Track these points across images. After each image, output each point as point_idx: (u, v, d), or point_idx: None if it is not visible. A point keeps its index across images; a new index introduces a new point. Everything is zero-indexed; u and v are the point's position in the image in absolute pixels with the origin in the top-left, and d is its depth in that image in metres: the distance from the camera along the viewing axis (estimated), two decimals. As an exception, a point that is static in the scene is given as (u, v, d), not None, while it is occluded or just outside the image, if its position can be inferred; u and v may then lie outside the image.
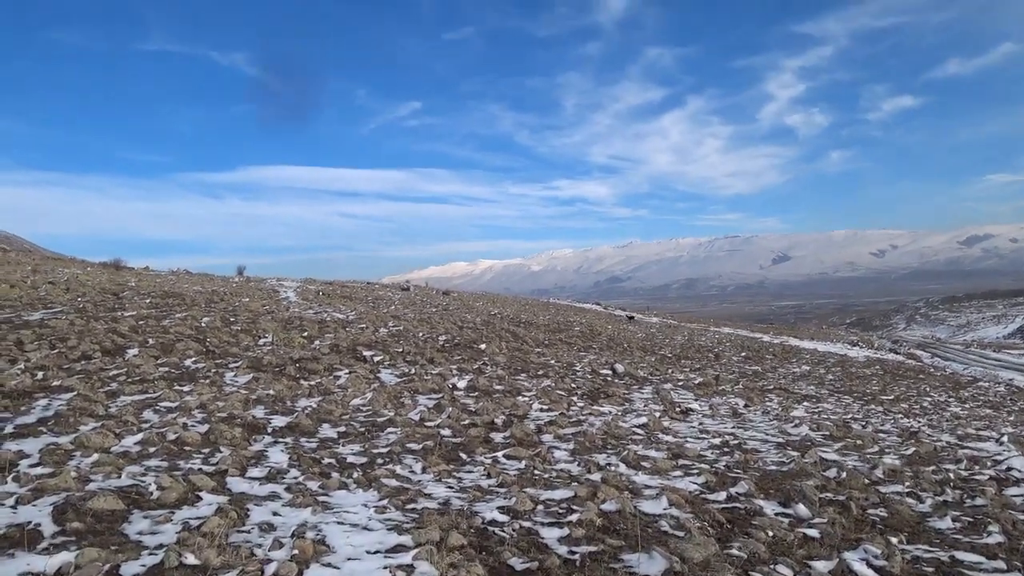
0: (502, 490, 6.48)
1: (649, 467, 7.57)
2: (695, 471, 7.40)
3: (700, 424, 10.58)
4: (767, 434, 9.90)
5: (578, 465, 7.55)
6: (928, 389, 21.93)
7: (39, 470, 6.03)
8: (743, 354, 25.92)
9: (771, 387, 16.83)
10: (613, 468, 7.42)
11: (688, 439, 9.28)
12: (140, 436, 7.26)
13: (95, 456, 6.46)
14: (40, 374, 9.64)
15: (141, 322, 14.00)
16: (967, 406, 18.04)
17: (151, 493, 5.60)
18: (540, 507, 5.98)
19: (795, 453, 8.48)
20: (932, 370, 32.66)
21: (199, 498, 5.64)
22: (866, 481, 7.20)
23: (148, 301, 17.39)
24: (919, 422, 13.58)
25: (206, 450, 7.14)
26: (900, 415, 14.52)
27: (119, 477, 5.94)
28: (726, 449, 8.64)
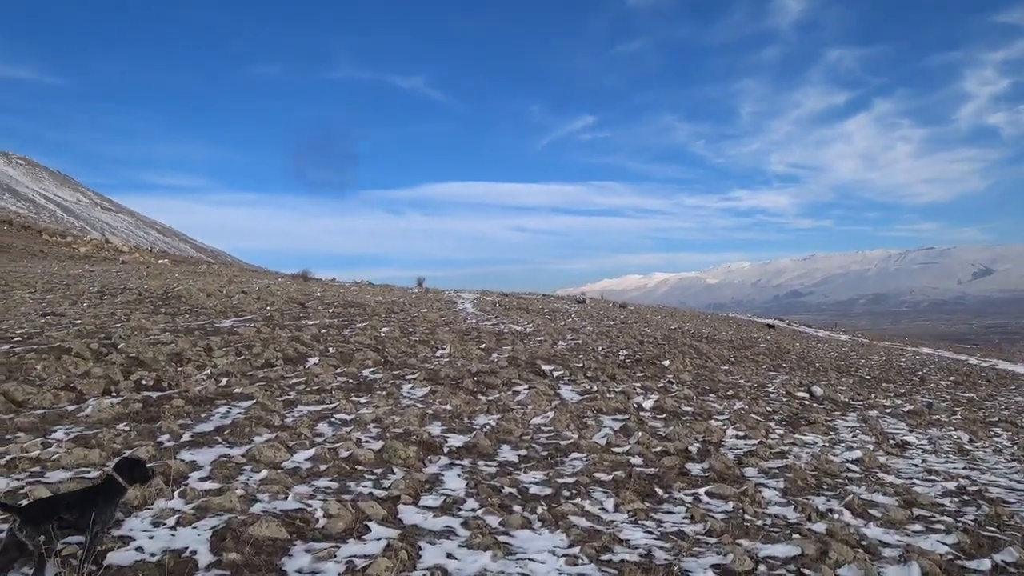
0: (712, 540, 5.42)
1: (880, 517, 6.36)
2: (939, 526, 6.13)
3: (924, 462, 9.19)
4: (1010, 479, 8.43)
5: (794, 510, 6.41)
6: None
7: (207, 485, 5.65)
8: (952, 378, 22.97)
9: (995, 419, 14.60)
10: (837, 516, 6.27)
11: (915, 481, 7.94)
12: (312, 451, 6.82)
13: (264, 472, 6.03)
14: (224, 380, 9.61)
15: (323, 331, 14.06)
16: None
17: (317, 520, 5.03)
18: (762, 567, 4.90)
19: (1055, 508, 7.00)
20: None
21: (367, 529, 5.00)
22: None
23: (331, 311, 17.66)
24: None
25: (379, 470, 6.57)
26: None
27: (285, 499, 5.44)
28: (966, 497, 7.28)
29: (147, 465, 4.57)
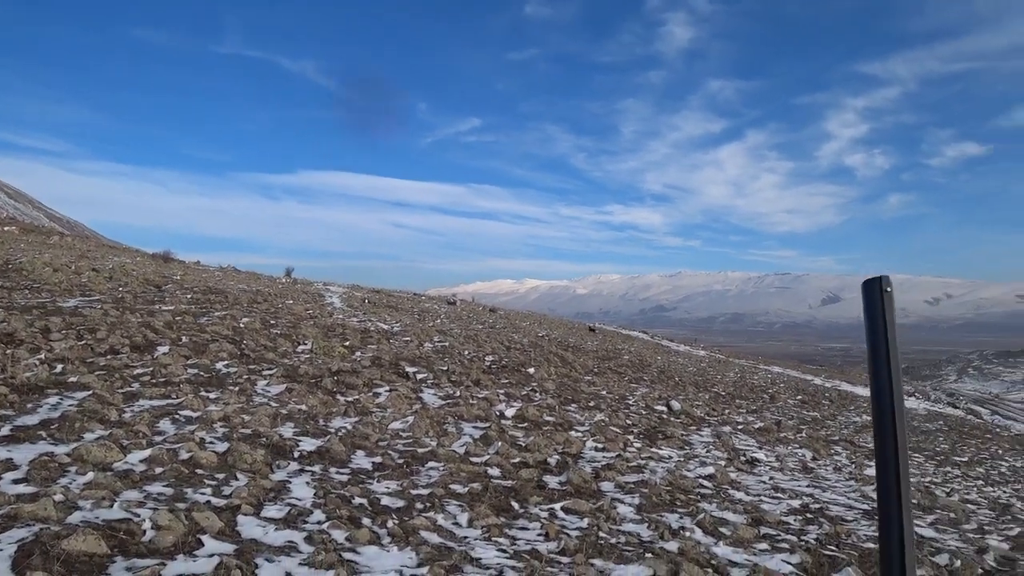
0: (565, 560, 5.37)
1: (729, 535, 6.51)
2: (784, 544, 6.33)
3: (771, 479, 9.59)
4: (848, 497, 8.91)
5: (648, 527, 6.47)
6: (1000, 452, 20.40)
7: (20, 488, 5.10)
8: (799, 397, 24.54)
9: (835, 438, 15.72)
10: (689, 534, 6.37)
11: (763, 498, 8.24)
12: (149, 452, 6.32)
13: (90, 475, 5.52)
14: (59, 367, 8.84)
15: (178, 318, 13.24)
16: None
17: (143, 532, 4.61)
18: (613, 590, 4.89)
19: (888, 526, 7.32)
20: (997, 429, 30.78)
21: (200, 543, 4.63)
22: (980, 571, 6.11)
23: (189, 296, 16.70)
24: (1004, 492, 12.65)
25: (220, 475, 6.16)
26: (980, 481, 13.35)
27: (111, 507, 4.96)
28: (808, 515, 7.58)
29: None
